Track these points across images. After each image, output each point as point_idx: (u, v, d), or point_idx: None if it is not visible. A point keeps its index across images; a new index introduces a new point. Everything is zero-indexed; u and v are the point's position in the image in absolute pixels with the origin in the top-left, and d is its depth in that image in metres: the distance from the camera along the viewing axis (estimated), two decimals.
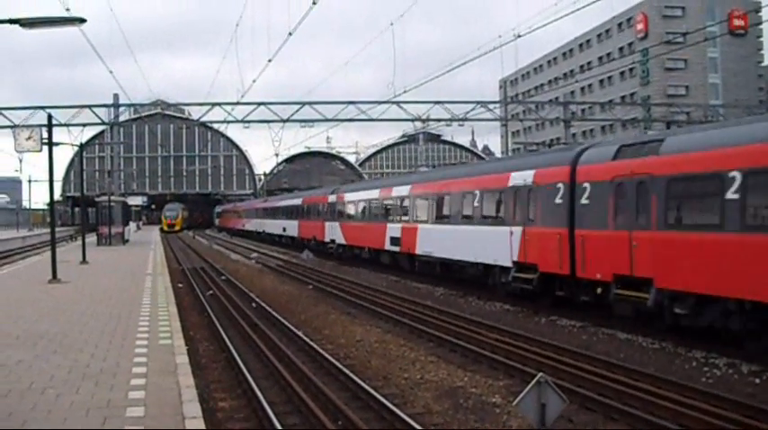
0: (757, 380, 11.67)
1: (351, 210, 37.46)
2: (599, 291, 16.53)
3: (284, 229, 54.68)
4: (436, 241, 25.78)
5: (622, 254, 15.56)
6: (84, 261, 30.06)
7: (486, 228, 21.98)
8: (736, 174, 12.68)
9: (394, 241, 29.90)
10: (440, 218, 25.92)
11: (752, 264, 12.40)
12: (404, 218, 29.42)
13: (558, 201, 18.24)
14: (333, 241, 39.45)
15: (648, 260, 14.84)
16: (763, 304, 12.12)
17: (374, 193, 34.05)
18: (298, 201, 51.48)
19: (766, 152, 12.30)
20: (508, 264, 20.46)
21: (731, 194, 12.77)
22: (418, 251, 27.39)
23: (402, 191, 30.16)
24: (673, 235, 14.34)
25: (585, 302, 17.36)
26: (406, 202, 29.39)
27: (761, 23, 73.89)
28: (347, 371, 12.08)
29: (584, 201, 17.18)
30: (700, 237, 13.64)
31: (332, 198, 40.67)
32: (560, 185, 18.14)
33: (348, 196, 38.12)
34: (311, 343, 14.84)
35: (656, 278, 14.59)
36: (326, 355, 13.50)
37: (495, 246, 21.04)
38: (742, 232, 12.60)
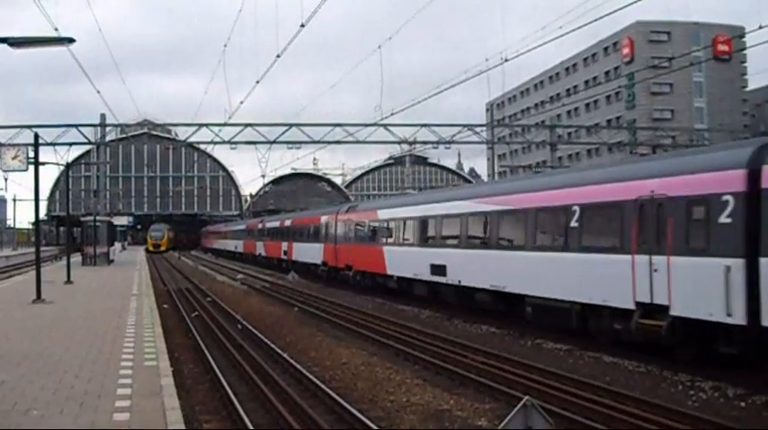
0: (743, 404, 11.71)
1: (267, 233, 56.56)
2: (343, 273, 34.72)
3: (236, 247, 72.95)
4: (301, 252, 44.18)
5: (347, 255, 34.38)
6: (68, 281, 29.88)
7: (314, 244, 40.34)
8: (368, 223, 32.07)
9: (285, 253, 48.50)
10: (300, 238, 44.44)
11: (368, 256, 31.20)
12: (288, 239, 47.65)
13: (331, 230, 36.93)
14: (260, 254, 59.03)
15: (351, 257, 33.60)
16: (371, 272, 31.11)
17: (276, 223, 53.86)
18: (243, 227, 72.17)
19: (377, 215, 31.32)
20: (319, 262, 39.05)
21: (366, 231, 32.13)
22: (294, 259, 45.75)
23: (287, 222, 49.69)
24: (355, 245, 33.38)
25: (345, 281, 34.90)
26: (289, 230, 48.00)
27: (745, 49, 74.49)
28: (333, 394, 12.04)
29: (339, 231, 35.78)
30: (359, 246, 32.81)
31: (260, 225, 60.18)
32: (333, 223, 36.79)
33: (267, 224, 57.77)
34: (297, 365, 14.76)
35: (353, 265, 33.28)
36: (312, 378, 13.43)
37: (316, 253, 39.73)
38: (368, 245, 31.53)
